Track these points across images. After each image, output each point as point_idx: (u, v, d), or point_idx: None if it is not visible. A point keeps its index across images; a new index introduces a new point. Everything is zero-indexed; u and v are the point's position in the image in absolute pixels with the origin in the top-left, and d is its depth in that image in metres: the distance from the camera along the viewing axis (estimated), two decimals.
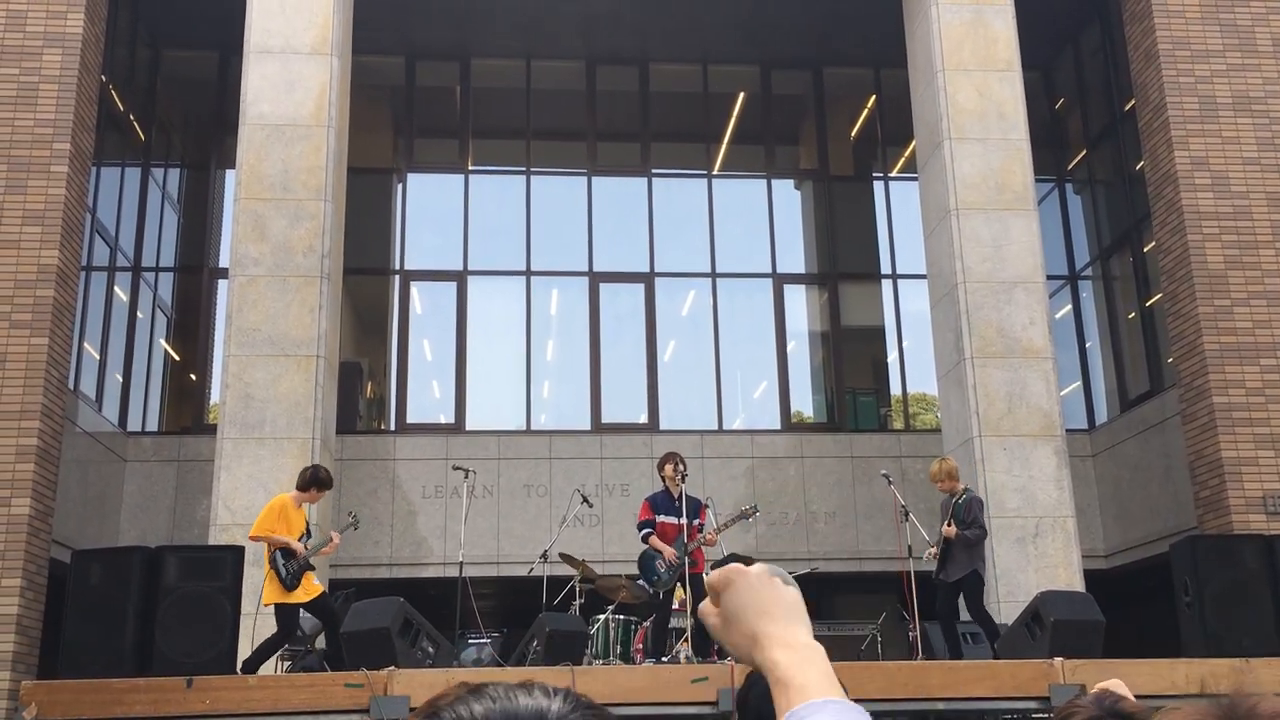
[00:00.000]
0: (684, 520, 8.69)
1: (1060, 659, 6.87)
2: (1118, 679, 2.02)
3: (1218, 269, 11.84)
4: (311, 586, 8.28)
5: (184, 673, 6.54)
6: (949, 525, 8.64)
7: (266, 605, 8.29)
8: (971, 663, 7.53)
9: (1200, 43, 12.53)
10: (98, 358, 13.36)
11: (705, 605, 1.23)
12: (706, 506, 9.18)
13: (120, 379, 13.97)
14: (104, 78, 12.81)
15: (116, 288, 13.95)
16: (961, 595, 8.73)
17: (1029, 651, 7.46)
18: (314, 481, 8.52)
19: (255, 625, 8.29)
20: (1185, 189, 12.05)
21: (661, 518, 8.80)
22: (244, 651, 9.23)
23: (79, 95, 11.41)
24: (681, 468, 8.89)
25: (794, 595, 1.20)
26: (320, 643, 9.63)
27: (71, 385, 11.98)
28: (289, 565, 8.17)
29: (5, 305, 10.65)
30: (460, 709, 0.77)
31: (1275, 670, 7.15)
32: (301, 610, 8.24)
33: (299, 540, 8.27)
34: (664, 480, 8.98)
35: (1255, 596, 7.86)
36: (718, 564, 10.18)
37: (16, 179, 11.00)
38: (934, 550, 8.76)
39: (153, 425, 14.48)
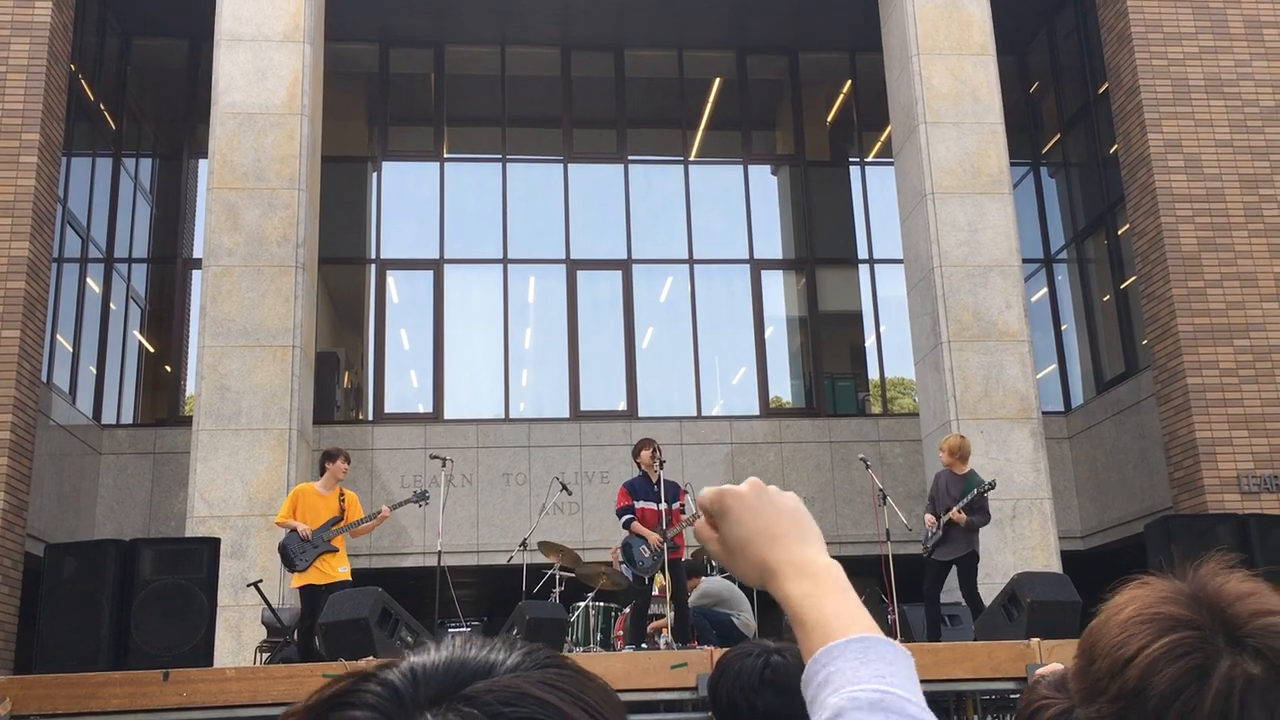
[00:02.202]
0: (663, 505, 8.68)
1: (1037, 639, 6.91)
2: (1058, 663, 1.97)
3: (1191, 251, 11.92)
4: (332, 571, 8.39)
5: (160, 665, 6.50)
6: (959, 511, 8.61)
7: (293, 586, 8.55)
8: (949, 644, 7.57)
9: (1173, 26, 12.58)
10: (71, 350, 13.24)
11: (702, 528, 1.13)
12: (685, 491, 9.18)
13: (94, 371, 13.86)
14: (73, 67, 12.67)
15: (89, 279, 13.83)
16: (957, 574, 8.74)
17: (1006, 632, 7.51)
18: (324, 458, 8.80)
19: (234, 617, 8.27)
20: (1159, 171, 12.11)
21: (640, 503, 8.78)
22: (224, 644, 9.24)
23: (48, 84, 11.28)
24: (659, 454, 8.88)
25: (794, 504, 1.11)
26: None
27: (45, 378, 11.88)
28: (295, 548, 8.34)
29: None
30: (415, 658, 0.78)
31: None
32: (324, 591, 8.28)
33: (326, 524, 8.47)
34: (640, 466, 8.96)
35: None
36: (696, 553, 10.20)
37: None
38: (934, 526, 8.66)
39: (128, 418, 14.37)
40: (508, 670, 0.76)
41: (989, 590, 9.94)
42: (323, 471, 8.75)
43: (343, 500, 8.66)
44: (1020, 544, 10.84)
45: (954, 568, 8.78)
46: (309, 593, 8.32)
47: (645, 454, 8.88)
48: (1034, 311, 14.48)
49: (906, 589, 9.13)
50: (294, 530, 8.40)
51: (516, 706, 0.73)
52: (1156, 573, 1.12)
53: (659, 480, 8.84)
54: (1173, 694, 0.98)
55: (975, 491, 8.80)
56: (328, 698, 0.76)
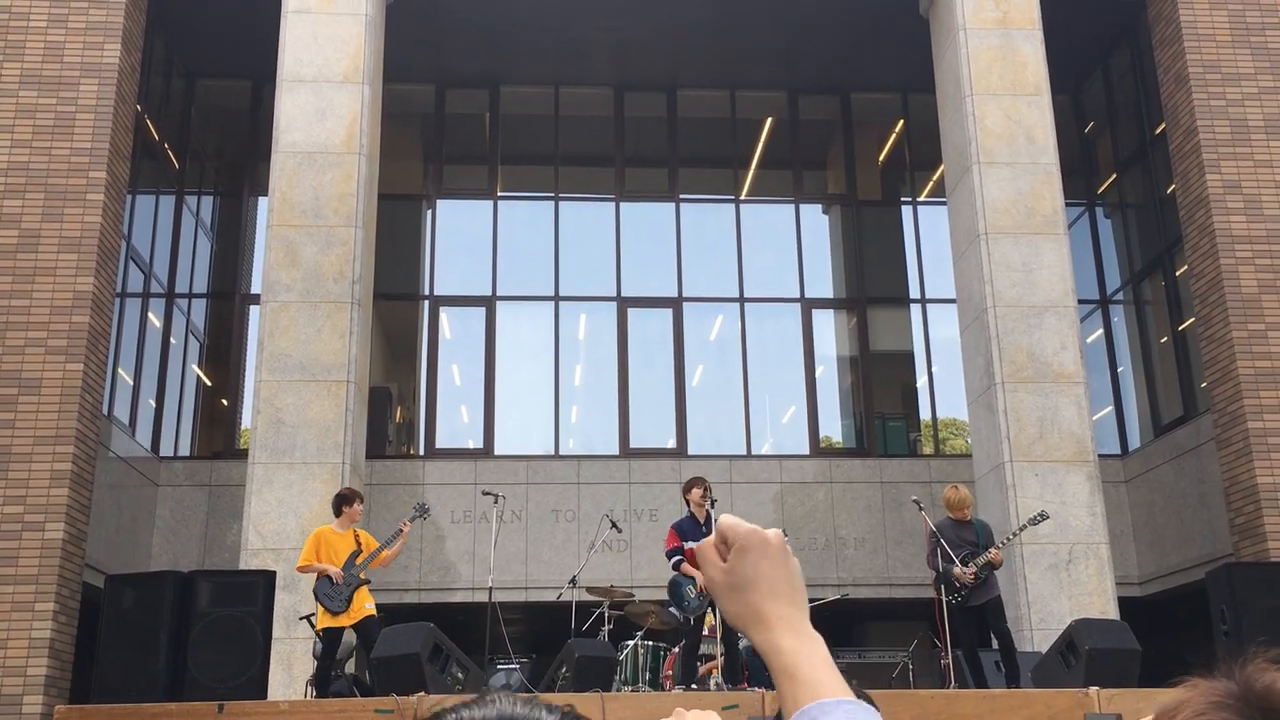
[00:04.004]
0: None
1: (1096, 688, 6.78)
2: None
3: (1251, 293, 11.73)
4: (360, 609, 8.48)
5: (215, 698, 6.56)
6: (998, 549, 8.56)
7: (319, 629, 8.60)
8: (1006, 691, 7.45)
9: (1231, 66, 12.47)
10: (131, 383, 13.50)
11: (708, 549, 1.16)
12: None
13: (153, 404, 14.11)
14: (139, 107, 13.00)
15: (150, 314, 14.11)
16: (989, 617, 8.62)
17: (1064, 680, 7.37)
18: (338, 502, 8.92)
19: (287, 650, 8.34)
20: (1217, 212, 11.96)
21: (689, 544, 8.75)
22: (275, 676, 9.30)
23: (115, 124, 11.58)
24: (709, 493, 8.86)
25: (800, 574, 1.15)
26: (350, 667, 9.66)
27: (105, 411, 12.10)
28: (330, 592, 8.42)
29: (41, 331, 10.79)
30: (464, 711, 0.81)
31: None
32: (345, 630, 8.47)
33: (349, 560, 8.57)
34: (690, 505, 8.95)
35: None
36: None
37: (53, 207, 11.17)
38: (971, 573, 8.51)
39: (185, 450, 14.60)
40: None
41: (1045, 636, 9.79)
42: (338, 513, 8.90)
43: (358, 538, 8.82)
44: (1076, 590, 10.65)
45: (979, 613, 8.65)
46: (333, 635, 8.43)
47: (696, 492, 8.87)
48: (1090, 353, 14.30)
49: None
50: (324, 575, 8.47)
51: None
52: (1202, 673, 1.10)
53: (708, 519, 8.81)
54: None
55: (1034, 518, 8.76)
56: None
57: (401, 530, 8.84)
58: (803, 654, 1.08)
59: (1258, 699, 1.01)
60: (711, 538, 1.17)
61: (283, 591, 9.63)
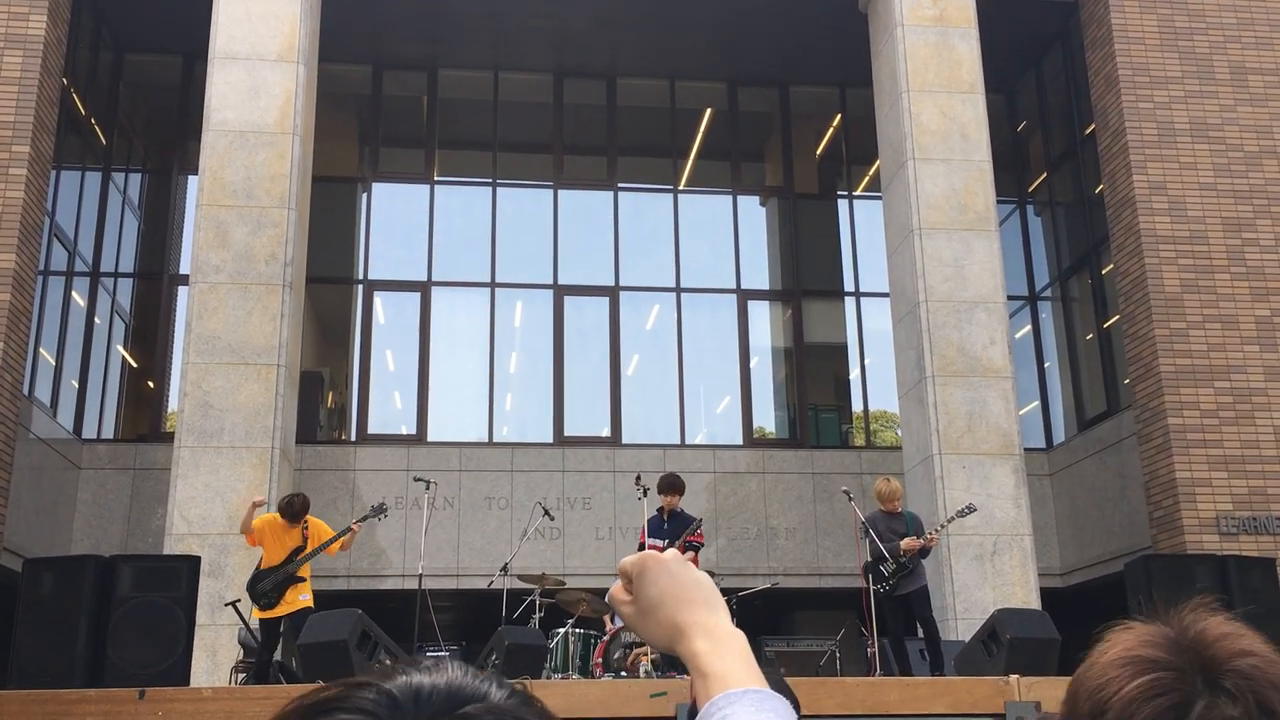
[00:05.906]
0: (663, 541, 8.91)
1: (1016, 676, 6.91)
2: None
3: (1174, 292, 12.03)
4: (294, 601, 8.38)
5: (137, 684, 6.44)
6: (934, 533, 8.73)
7: (256, 615, 8.54)
8: (929, 679, 7.57)
9: (1160, 69, 12.75)
10: (54, 363, 13.17)
11: (616, 591, 1.19)
12: (695, 521, 9.30)
13: (76, 385, 13.79)
14: (65, 80, 12.67)
15: (74, 293, 13.78)
16: (914, 606, 8.75)
17: (986, 668, 7.51)
18: (279, 510, 8.76)
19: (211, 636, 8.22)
20: (1143, 213, 12.24)
21: (651, 540, 9.10)
22: (199, 663, 9.18)
23: (39, 98, 11.28)
24: (640, 483, 9.08)
25: (707, 579, 1.17)
26: (278, 654, 9.54)
27: (26, 391, 11.81)
28: (255, 587, 8.35)
29: None
30: (415, 676, 0.82)
31: None
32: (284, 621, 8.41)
33: (290, 557, 8.46)
34: (663, 506, 9.27)
35: None
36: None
37: None
38: (917, 545, 8.59)
39: (108, 433, 14.29)
40: (499, 700, 0.81)
41: (969, 625, 9.97)
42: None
43: (305, 529, 8.66)
44: (1000, 580, 10.86)
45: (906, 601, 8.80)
46: (269, 625, 8.35)
47: (670, 498, 9.15)
48: (1018, 348, 14.56)
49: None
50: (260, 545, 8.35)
51: None
52: (1140, 616, 1.13)
53: (672, 516, 9.14)
54: None
55: (961, 510, 8.92)
56: (325, 698, 0.80)
57: (351, 529, 8.72)
58: (714, 653, 1.09)
59: (1190, 642, 1.04)
60: (616, 584, 1.20)
61: (207, 577, 9.48)
